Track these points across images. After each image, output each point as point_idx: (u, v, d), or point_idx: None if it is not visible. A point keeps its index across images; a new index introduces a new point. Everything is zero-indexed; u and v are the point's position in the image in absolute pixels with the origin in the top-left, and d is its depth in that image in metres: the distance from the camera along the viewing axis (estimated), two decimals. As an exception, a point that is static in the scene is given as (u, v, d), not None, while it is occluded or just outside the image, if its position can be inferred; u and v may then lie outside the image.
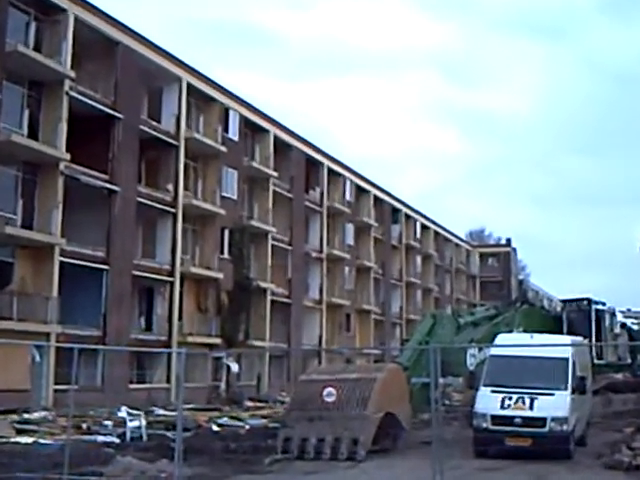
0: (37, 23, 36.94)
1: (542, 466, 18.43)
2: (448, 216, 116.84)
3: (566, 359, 20.92)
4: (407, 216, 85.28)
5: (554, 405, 19.98)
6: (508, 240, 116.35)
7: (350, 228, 70.49)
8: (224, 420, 30.94)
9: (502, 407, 20.14)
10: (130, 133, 41.32)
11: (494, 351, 22.26)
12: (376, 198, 77.09)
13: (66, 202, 36.32)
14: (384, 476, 17.21)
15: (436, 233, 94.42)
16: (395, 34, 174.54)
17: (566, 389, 20.48)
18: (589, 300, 36.44)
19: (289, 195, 59.03)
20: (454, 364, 25.29)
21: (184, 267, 45.50)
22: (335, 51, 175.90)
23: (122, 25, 41.17)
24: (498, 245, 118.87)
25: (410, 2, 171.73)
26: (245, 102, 53.34)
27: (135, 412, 26.50)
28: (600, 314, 36.18)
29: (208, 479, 16.83)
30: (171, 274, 44.56)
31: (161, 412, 32.57)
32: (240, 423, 30.45)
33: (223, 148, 49.13)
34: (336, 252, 65.47)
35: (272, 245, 55.47)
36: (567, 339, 25.83)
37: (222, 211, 48.50)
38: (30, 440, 23.08)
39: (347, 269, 69.30)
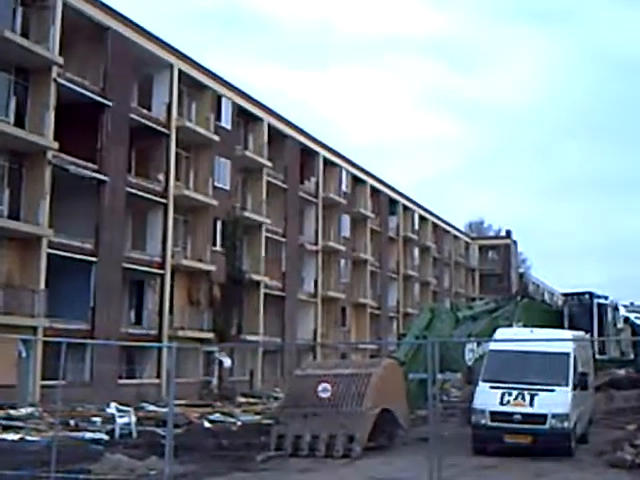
0: (24, 8, 36.79)
1: (542, 464, 18.44)
2: (447, 207, 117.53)
3: (567, 354, 20.93)
4: (405, 207, 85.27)
5: (555, 401, 19.98)
6: (508, 232, 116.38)
7: (346, 219, 70.48)
8: (216, 416, 31.00)
9: (501, 403, 20.16)
10: (120, 121, 41.23)
11: (493, 346, 22.26)
12: (373, 189, 77.07)
13: (54, 192, 36.24)
14: (380, 474, 17.20)
15: (434, 225, 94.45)
16: (392, 21, 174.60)
17: (567, 385, 20.50)
18: (591, 294, 36.51)
19: (283, 185, 58.98)
20: (452, 359, 25.32)
21: (175, 259, 45.45)
22: (330, 38, 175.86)
23: (112, 10, 41.04)
24: (498, 237, 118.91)
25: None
26: (238, 90, 53.24)
27: (124, 408, 26.44)
28: (602, 308, 36.25)
29: (199, 477, 16.82)
30: (162, 266, 44.51)
31: (151, 408, 32.63)
32: (232, 419, 30.52)
33: (216, 137, 49.04)
34: (331, 244, 65.46)
35: (266, 237, 55.42)
36: (568, 334, 25.86)
37: (214, 202, 48.44)
38: (16, 437, 23.12)
39: (343, 262, 69.32)
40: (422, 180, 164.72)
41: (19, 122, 35.67)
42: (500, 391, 20.35)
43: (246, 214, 52.59)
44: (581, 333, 27.77)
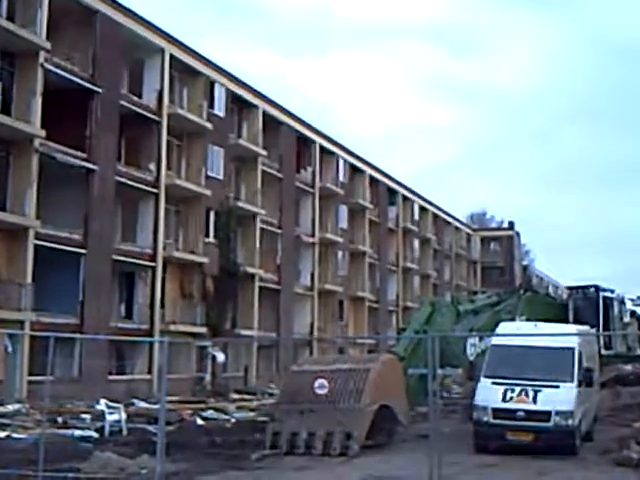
0: (10, -10, 36.75)
1: (546, 462, 18.48)
2: (448, 198, 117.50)
3: (572, 349, 20.94)
4: (404, 198, 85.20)
5: (559, 398, 20.01)
6: (511, 223, 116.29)
7: (344, 210, 70.45)
8: (209, 413, 31.05)
9: (504, 400, 20.18)
10: (109, 108, 41.16)
11: (496, 340, 22.27)
12: (371, 178, 77.01)
13: (41, 182, 36.20)
14: (379, 472, 17.23)
15: (435, 216, 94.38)
16: (391, 6, 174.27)
17: (572, 381, 20.51)
18: (597, 287, 36.51)
19: (279, 175, 58.92)
20: (453, 354, 25.37)
21: (167, 251, 45.44)
22: (328, 23, 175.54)
23: (101, -8, 40.97)
24: (500, 229, 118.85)
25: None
26: (232, 75, 53.15)
27: (114, 405, 26.46)
28: (608, 302, 36.24)
29: (192, 475, 16.84)
30: (153, 259, 44.50)
31: (142, 405, 32.62)
32: (226, 416, 30.57)
33: (208, 125, 48.99)
34: (329, 236, 65.45)
35: (261, 228, 55.41)
36: (573, 328, 25.84)
37: (207, 192, 48.39)
38: (3, 434, 23.10)
39: (340, 254, 69.30)
40: (422, 169, 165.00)
41: (5, 109, 35.57)
42: (502, 387, 20.37)
43: (240, 204, 52.56)
44: (586, 327, 27.73)
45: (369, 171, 76.20)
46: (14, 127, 35.08)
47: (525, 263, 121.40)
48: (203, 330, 47.13)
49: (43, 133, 36.02)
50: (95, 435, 23.40)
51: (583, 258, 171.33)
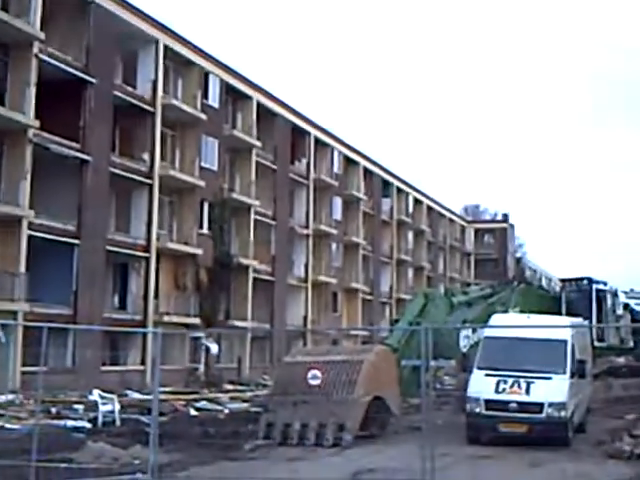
0: (3, -20, 36.61)
1: (538, 454, 18.52)
2: (442, 190, 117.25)
3: (565, 341, 20.99)
4: (399, 189, 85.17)
5: (552, 390, 20.06)
6: (505, 216, 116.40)
7: (338, 202, 70.45)
8: (202, 404, 31.05)
9: (497, 391, 20.23)
10: (103, 99, 41.07)
11: (489, 332, 22.31)
12: (366, 170, 77.00)
13: (34, 172, 36.10)
14: (371, 463, 17.26)
15: (429, 208, 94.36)
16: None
17: (564, 373, 20.57)
18: (590, 279, 36.63)
19: (273, 166, 58.85)
20: (446, 346, 25.37)
21: (160, 242, 45.38)
22: (320, 9, 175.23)
23: (95, -17, 40.84)
24: (494, 221, 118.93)
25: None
26: (226, 66, 53.04)
27: (108, 395, 26.43)
28: (601, 294, 36.37)
29: (185, 466, 16.85)
30: (147, 250, 44.45)
31: (135, 395, 32.65)
32: (219, 407, 30.58)
33: (203, 115, 48.91)
34: (323, 227, 65.44)
35: (255, 219, 55.38)
36: (566, 320, 25.96)
37: (201, 183, 48.34)
38: (-4, 425, 23.10)
39: (334, 245, 69.33)
40: (417, 161, 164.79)
41: (-1, 99, 35.54)
42: (495, 379, 20.42)
43: (234, 196, 52.51)
44: (579, 319, 27.84)
45: (363, 163, 76.16)
46: (8, 117, 34.97)
47: (519, 255, 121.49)
48: (197, 321, 47.12)
49: (37, 123, 35.92)
50: (88, 425, 23.37)
51: (580, 251, 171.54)
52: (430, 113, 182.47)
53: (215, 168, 51.24)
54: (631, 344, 37.89)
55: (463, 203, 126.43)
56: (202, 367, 46.85)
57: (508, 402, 20.00)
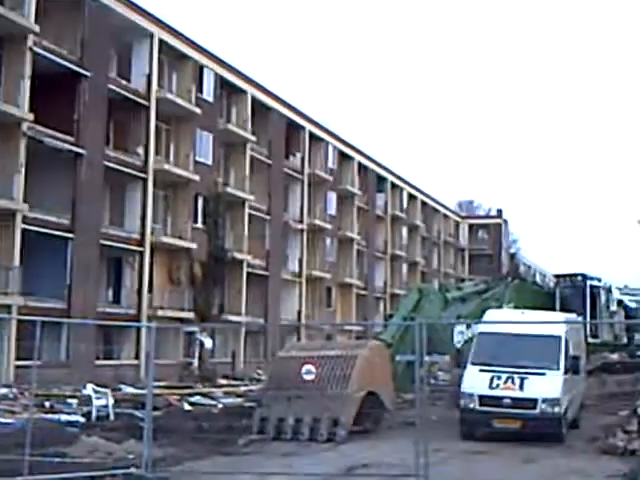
0: (-2, -27, 36.53)
1: (532, 450, 18.56)
2: (437, 186, 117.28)
3: (559, 337, 21.03)
4: (393, 185, 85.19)
5: (545, 386, 20.10)
6: (499, 211, 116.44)
7: (332, 197, 70.40)
8: (196, 399, 31.06)
9: (490, 387, 20.27)
10: (97, 92, 40.98)
11: (483, 328, 22.36)
12: (360, 165, 76.98)
13: (28, 165, 36.02)
14: (365, 458, 17.27)
15: (423, 203, 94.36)
16: None
17: (558, 369, 20.61)
18: (584, 276, 36.70)
19: (268, 161, 58.81)
20: (441, 341, 25.37)
21: (155, 236, 45.35)
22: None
23: (89, -24, 40.75)
24: (488, 216, 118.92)
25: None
26: (221, 60, 52.96)
27: (102, 390, 26.46)
28: (595, 290, 36.45)
29: (179, 460, 16.86)
30: (141, 244, 44.41)
31: (129, 390, 32.62)
32: (213, 402, 30.59)
33: (197, 109, 48.86)
34: (317, 222, 65.42)
35: (249, 214, 55.33)
36: (560, 316, 26.03)
37: (196, 177, 48.29)
38: (-11, 419, 23.06)
39: (328, 240, 69.31)
40: (411, 156, 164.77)
41: (-7, 92, 35.46)
42: (489, 374, 20.45)
43: (229, 190, 52.47)
44: (573, 315, 27.91)
45: (358, 158, 76.15)
46: (2, 110, 34.88)
47: (513, 251, 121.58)
48: (191, 315, 47.10)
49: (31, 117, 35.87)
50: (82, 420, 23.37)
51: (574, 247, 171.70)
52: (425, 108, 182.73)
53: (209, 162, 51.18)
54: (625, 340, 37.99)
55: (457, 198, 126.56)
56: (196, 361, 46.82)
57: (502, 398, 20.04)
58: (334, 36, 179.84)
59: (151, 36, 45.75)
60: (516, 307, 28.59)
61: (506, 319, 22.91)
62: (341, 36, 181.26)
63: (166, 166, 46.21)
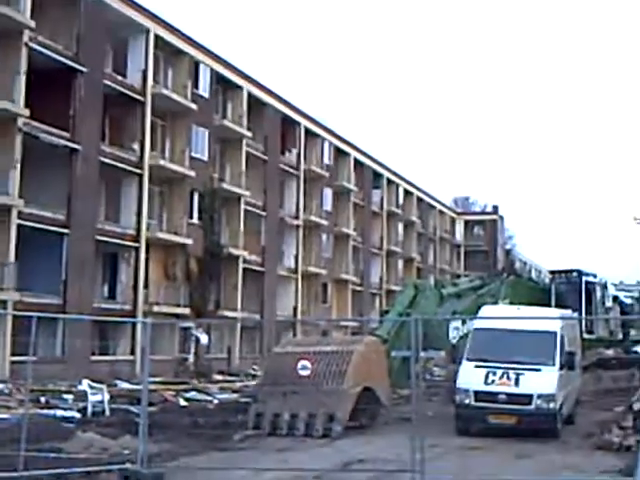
0: (-7, -32, 36.44)
1: (527, 445, 18.59)
2: (433, 182, 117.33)
3: (554, 333, 21.06)
4: (389, 181, 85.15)
5: (541, 381, 20.12)
6: (495, 207, 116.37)
7: (328, 193, 70.39)
8: (192, 394, 31.05)
9: (486, 383, 20.29)
10: (93, 88, 40.96)
11: (478, 324, 22.37)
12: (356, 161, 76.92)
13: (24, 161, 36.01)
14: (361, 454, 17.28)
15: (419, 199, 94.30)
16: None
17: (554, 365, 20.63)
18: (579, 272, 36.70)
19: (263, 157, 58.78)
20: (436, 337, 25.42)
21: (150, 232, 45.33)
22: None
23: (85, -29, 40.68)
24: (484, 213, 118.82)
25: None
26: (217, 56, 52.92)
27: (97, 385, 26.41)
28: (591, 286, 36.45)
29: (174, 456, 16.85)
30: (136, 239, 44.39)
31: (125, 385, 32.63)
32: (209, 397, 30.58)
33: (193, 105, 48.81)
34: (313, 218, 65.41)
35: (245, 210, 55.32)
36: (556, 312, 25.99)
37: (191, 173, 48.26)
38: (-15, 414, 23.03)
39: (324, 236, 69.30)
40: (407, 153, 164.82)
41: (-12, 87, 35.38)
42: (485, 370, 20.47)
43: (224, 186, 52.45)
44: (569, 311, 27.91)
45: (354, 154, 76.11)
46: (-2, 106, 34.91)
47: (508, 247, 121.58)
48: (186, 311, 47.10)
49: (27, 112, 35.83)
50: (77, 415, 23.36)
51: (566, 243, 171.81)
52: (421, 105, 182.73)
53: (205, 158, 51.16)
54: (620, 336, 37.99)
55: (453, 195, 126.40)
56: (192, 357, 46.78)
57: (497, 393, 20.07)
58: (330, 32, 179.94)
59: (147, 32, 45.71)
60: (511, 303, 28.56)
61: (502, 315, 22.93)
62: (337, 32, 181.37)
63: (162, 162, 46.20)
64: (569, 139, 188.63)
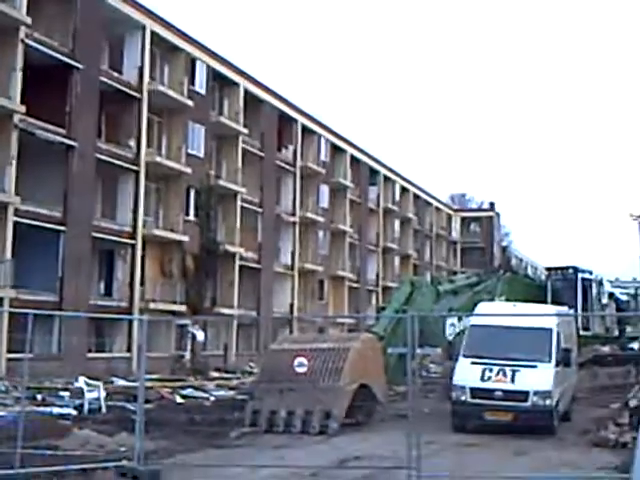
0: (-12, -36, 36.38)
1: (523, 442, 18.61)
2: (429, 179, 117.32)
3: (550, 330, 21.08)
4: (385, 177, 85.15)
5: (537, 378, 20.16)
6: (491, 204, 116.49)
7: (325, 190, 70.34)
8: (188, 391, 31.09)
9: (482, 379, 20.32)
10: (89, 84, 40.88)
11: (475, 320, 22.40)
12: (353, 158, 76.91)
13: (20, 158, 35.94)
14: (357, 451, 17.31)
15: (416, 196, 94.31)
16: None
17: (550, 361, 20.66)
18: (575, 269, 36.79)
19: (260, 153, 58.74)
20: (433, 334, 25.44)
21: (147, 229, 45.30)
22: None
23: (81, -32, 40.62)
24: (481, 209, 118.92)
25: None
26: (213, 52, 52.87)
27: (94, 382, 26.45)
28: (587, 283, 36.55)
29: (171, 453, 16.88)
30: (133, 236, 44.34)
31: (121, 383, 32.61)
32: (205, 395, 30.60)
33: (189, 102, 48.77)
34: (309, 215, 65.39)
35: (241, 207, 55.28)
36: (552, 309, 26.09)
37: (188, 169, 48.23)
38: (-19, 412, 23.02)
39: (321, 233, 69.27)
40: (403, 150, 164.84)
41: (-16, 84, 35.34)
42: (481, 367, 20.50)
43: (221, 182, 52.42)
44: (565, 308, 27.98)
45: (350, 150, 76.09)
46: (-6, 103, 34.87)
47: (505, 244, 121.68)
48: (183, 308, 47.08)
49: (23, 109, 35.78)
50: (74, 412, 23.38)
51: (562, 240, 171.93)
52: (417, 102, 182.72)
53: (201, 155, 51.11)
54: (616, 333, 38.09)
55: (449, 192, 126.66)
56: (188, 354, 46.84)
57: (493, 390, 20.10)
58: (327, 29, 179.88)
59: (143, 28, 45.65)
60: (508, 300, 28.64)
61: (498, 312, 22.97)
62: (334, 29, 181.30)
63: (158, 159, 46.14)
64: (565, 136, 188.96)
